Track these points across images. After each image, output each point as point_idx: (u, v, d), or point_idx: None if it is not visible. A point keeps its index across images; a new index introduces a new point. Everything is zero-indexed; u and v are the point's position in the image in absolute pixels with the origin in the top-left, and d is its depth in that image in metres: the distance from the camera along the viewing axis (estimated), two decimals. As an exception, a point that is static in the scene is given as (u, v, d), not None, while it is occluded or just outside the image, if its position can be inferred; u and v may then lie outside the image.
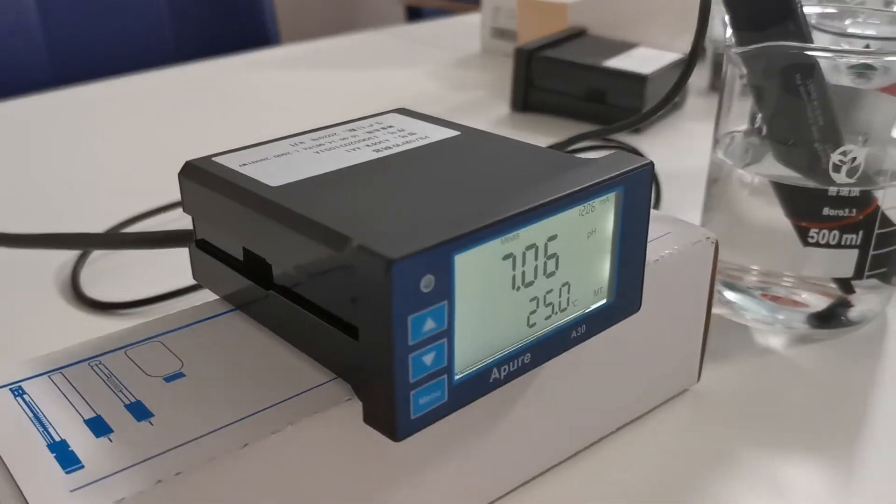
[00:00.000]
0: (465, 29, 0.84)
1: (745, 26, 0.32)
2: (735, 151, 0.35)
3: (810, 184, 0.33)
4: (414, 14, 1.96)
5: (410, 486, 0.23)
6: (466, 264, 0.19)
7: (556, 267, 0.22)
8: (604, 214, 0.23)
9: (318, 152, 0.25)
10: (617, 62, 0.59)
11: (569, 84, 0.59)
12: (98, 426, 0.20)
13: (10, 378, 0.21)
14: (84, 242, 0.34)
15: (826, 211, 0.32)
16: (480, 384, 0.21)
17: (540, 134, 0.58)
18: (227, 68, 0.75)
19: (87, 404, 0.20)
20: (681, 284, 0.29)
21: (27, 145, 0.58)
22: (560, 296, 0.22)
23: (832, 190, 0.32)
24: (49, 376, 0.22)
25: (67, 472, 0.18)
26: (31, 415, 0.20)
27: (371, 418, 0.20)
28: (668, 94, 0.32)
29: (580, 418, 0.27)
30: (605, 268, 0.23)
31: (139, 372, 0.22)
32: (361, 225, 0.20)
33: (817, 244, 0.33)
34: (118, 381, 0.21)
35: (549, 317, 0.22)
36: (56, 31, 1.05)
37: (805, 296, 0.35)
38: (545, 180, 0.22)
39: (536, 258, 0.21)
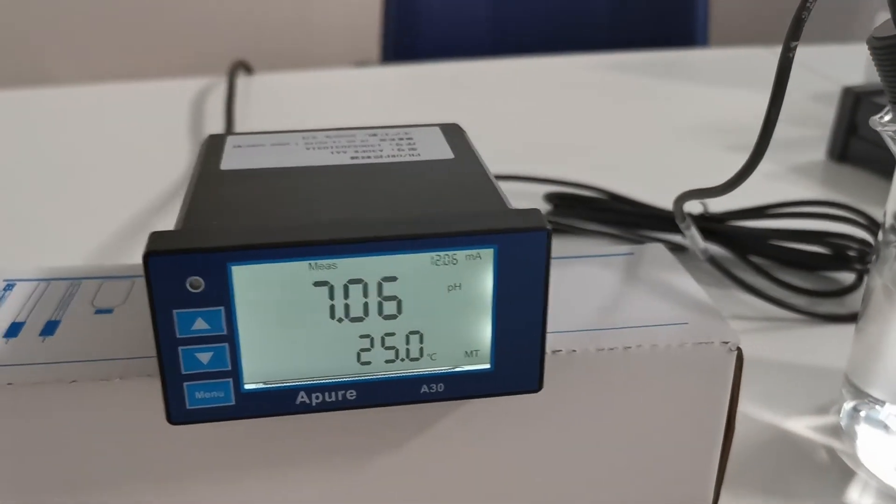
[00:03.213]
0: (861, 60, 0.73)
1: (901, 98, 0.24)
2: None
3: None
4: None
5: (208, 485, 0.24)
6: (252, 277, 0.19)
7: (399, 311, 0.20)
8: (473, 271, 0.20)
9: (308, 148, 0.26)
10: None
11: None
12: (13, 330, 0.24)
13: (14, 275, 0.27)
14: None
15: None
16: (281, 402, 0.21)
17: (842, 193, 0.49)
18: (610, 65, 0.76)
19: (30, 311, 0.25)
20: (675, 390, 0.24)
21: (447, 106, 0.66)
22: (408, 343, 0.21)
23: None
24: (38, 282, 0.26)
25: (-46, 354, 0.23)
26: (-8, 305, 0.25)
27: (166, 396, 0.21)
28: (735, 177, 0.26)
29: (506, 490, 0.25)
30: (480, 330, 0.21)
31: (89, 299, 0.25)
32: (201, 217, 0.21)
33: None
34: (68, 302, 0.25)
35: (392, 361, 0.21)
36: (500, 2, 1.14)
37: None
38: (410, 220, 0.20)
39: (366, 295, 0.20)
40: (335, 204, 0.22)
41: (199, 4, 1.55)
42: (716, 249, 0.40)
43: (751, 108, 0.65)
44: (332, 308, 0.20)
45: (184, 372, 0.20)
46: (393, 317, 0.21)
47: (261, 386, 0.21)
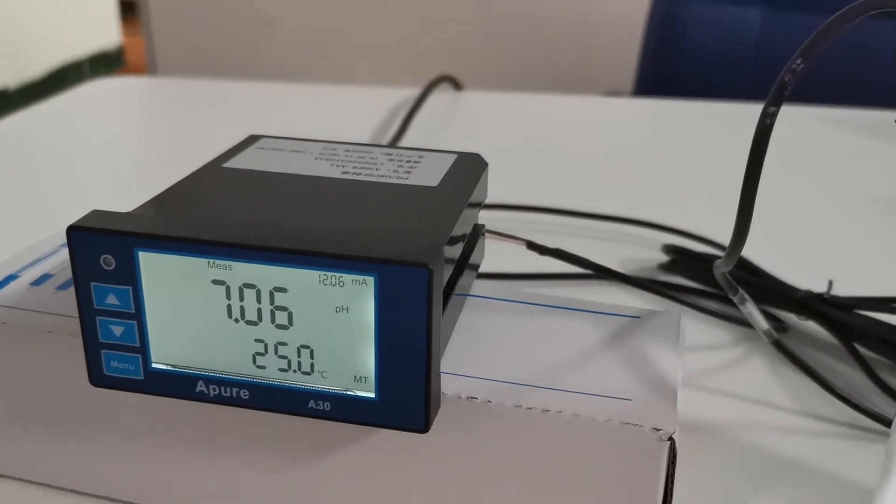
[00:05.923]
0: None
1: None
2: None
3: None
4: None
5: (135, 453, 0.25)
6: (156, 264, 0.21)
7: (290, 322, 0.21)
8: (358, 297, 0.20)
9: (317, 158, 0.27)
10: None
11: None
12: (41, 280, 0.27)
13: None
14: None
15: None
16: (182, 386, 0.22)
17: None
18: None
19: (64, 268, 0.28)
20: (596, 470, 0.22)
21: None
22: (299, 356, 0.21)
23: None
24: (90, 245, 0.30)
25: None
26: (37, 258, 0.29)
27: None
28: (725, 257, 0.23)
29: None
30: (365, 357, 0.21)
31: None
32: (158, 205, 0.23)
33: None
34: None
35: (284, 370, 0.22)
36: (769, 51, 1.08)
37: None
38: (303, 235, 0.21)
39: (259, 301, 0.21)
40: (273, 211, 0.23)
41: (475, 18, 1.62)
42: (817, 331, 0.35)
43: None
44: (229, 307, 0.21)
45: (101, 340, 0.22)
46: (284, 327, 0.21)
47: (167, 367, 0.22)
